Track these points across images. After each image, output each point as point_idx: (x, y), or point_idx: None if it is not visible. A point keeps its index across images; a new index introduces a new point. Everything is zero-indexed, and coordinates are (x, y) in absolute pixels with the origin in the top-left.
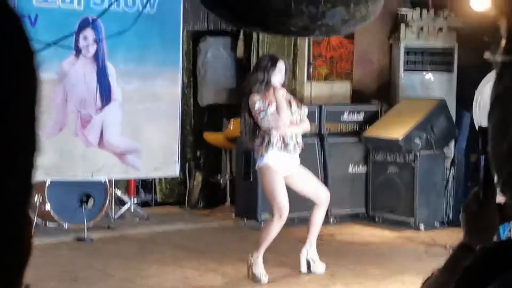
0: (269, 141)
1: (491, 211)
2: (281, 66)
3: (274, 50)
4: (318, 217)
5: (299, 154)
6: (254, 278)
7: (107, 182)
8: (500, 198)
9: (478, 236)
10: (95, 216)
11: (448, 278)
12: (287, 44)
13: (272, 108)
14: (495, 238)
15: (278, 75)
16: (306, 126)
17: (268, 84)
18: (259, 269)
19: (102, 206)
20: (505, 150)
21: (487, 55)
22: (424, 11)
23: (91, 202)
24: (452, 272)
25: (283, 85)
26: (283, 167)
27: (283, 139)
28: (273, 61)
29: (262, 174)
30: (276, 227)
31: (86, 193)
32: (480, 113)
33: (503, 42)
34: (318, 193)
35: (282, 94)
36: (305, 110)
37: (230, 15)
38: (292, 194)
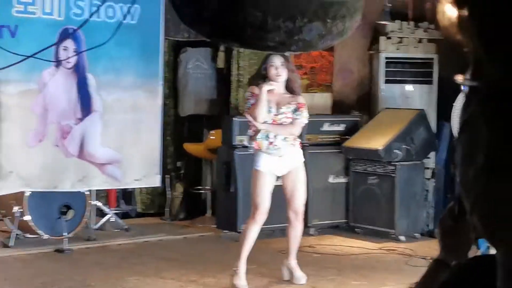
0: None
1: (466, 227)
2: (273, 60)
3: (255, 61)
4: (292, 233)
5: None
6: None
7: (87, 193)
8: None
9: (454, 251)
10: (75, 227)
11: None
12: None
13: (251, 101)
14: (475, 252)
15: (272, 69)
16: (288, 130)
17: (263, 78)
18: (240, 281)
19: (82, 217)
20: (472, 175)
21: (459, 79)
22: (404, 23)
23: (71, 213)
24: (428, 287)
25: (290, 82)
26: (272, 169)
27: (254, 135)
28: (266, 57)
29: (252, 175)
30: (251, 228)
31: (66, 204)
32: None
33: (470, 68)
34: (291, 206)
35: (271, 89)
36: (302, 115)
37: (208, 31)
38: (274, 205)
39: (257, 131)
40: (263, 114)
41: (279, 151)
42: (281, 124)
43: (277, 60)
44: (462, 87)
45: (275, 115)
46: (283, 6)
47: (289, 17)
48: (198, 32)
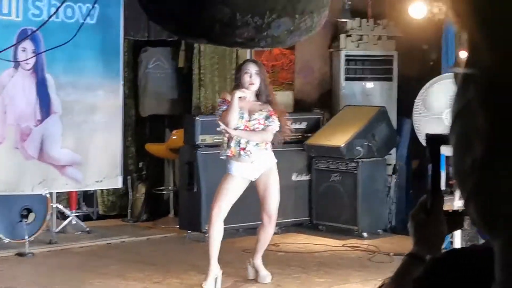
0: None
1: (439, 220)
2: (246, 68)
3: (216, 60)
4: (263, 235)
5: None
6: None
7: (48, 196)
8: (447, 206)
9: (427, 245)
10: (36, 230)
11: None
12: (229, 54)
13: (223, 108)
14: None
15: (245, 76)
16: (261, 136)
17: (238, 86)
18: (207, 285)
19: (43, 220)
20: (469, 165)
21: (450, 68)
22: (364, 21)
23: (32, 216)
24: (402, 282)
25: (260, 91)
26: (244, 174)
27: (227, 142)
28: (241, 64)
29: (223, 177)
30: (211, 228)
31: (26, 207)
32: (421, 120)
33: (465, 54)
34: (265, 209)
35: (244, 97)
36: (274, 122)
37: (176, 27)
38: (238, 204)
39: (231, 139)
40: (235, 120)
41: (250, 157)
42: (253, 130)
43: (251, 68)
44: (454, 75)
45: (248, 121)
46: (252, 1)
47: (258, 13)
48: (165, 29)
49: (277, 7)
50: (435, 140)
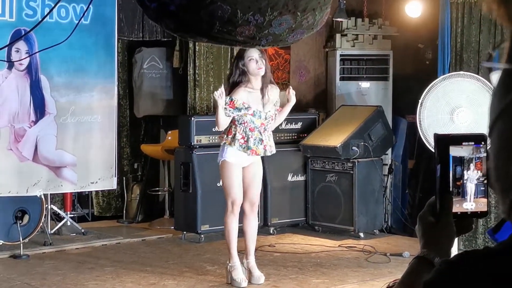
0: (234, 135)
1: (447, 222)
2: (251, 54)
3: (211, 60)
4: (248, 228)
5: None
6: (234, 283)
7: (43, 197)
8: (456, 208)
9: (436, 247)
10: (31, 232)
11: None
12: (224, 54)
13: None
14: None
15: (252, 63)
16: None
17: (242, 74)
18: (238, 274)
19: (37, 222)
20: None
21: (486, 64)
22: (359, 20)
23: (26, 218)
24: (413, 286)
25: (267, 74)
26: (242, 161)
27: (247, 138)
28: (243, 52)
29: (221, 168)
30: (230, 221)
31: (21, 209)
32: (425, 121)
33: (507, 48)
34: (248, 196)
35: (251, 91)
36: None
37: (175, 26)
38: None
39: (248, 139)
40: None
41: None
42: (267, 125)
43: (255, 53)
44: (493, 71)
45: (265, 119)
46: None
47: (259, 10)
48: (164, 27)
49: (279, 5)
50: (444, 141)
